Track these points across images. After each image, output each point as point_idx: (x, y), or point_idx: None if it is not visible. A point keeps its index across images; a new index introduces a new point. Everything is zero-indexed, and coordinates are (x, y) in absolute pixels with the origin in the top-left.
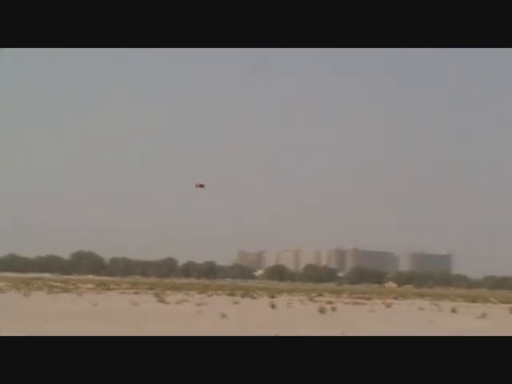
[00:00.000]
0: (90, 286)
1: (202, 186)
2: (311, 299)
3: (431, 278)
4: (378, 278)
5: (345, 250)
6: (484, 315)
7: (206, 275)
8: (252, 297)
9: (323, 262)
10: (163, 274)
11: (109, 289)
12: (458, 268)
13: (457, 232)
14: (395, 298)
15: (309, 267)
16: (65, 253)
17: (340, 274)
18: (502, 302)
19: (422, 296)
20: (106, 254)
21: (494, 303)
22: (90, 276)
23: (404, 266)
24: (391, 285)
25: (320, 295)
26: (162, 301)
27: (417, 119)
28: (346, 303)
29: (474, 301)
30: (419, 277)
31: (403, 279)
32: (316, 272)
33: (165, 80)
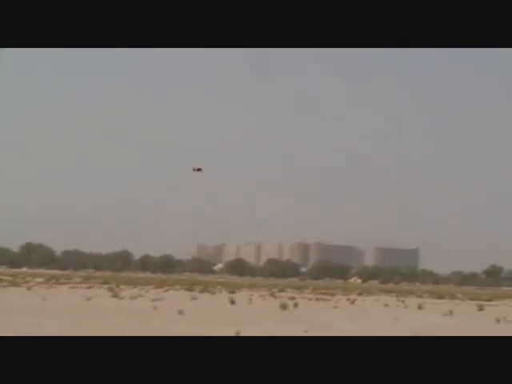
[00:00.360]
0: (39, 279)
1: (199, 169)
2: (273, 295)
3: (397, 273)
4: (342, 273)
5: (308, 244)
6: (451, 312)
7: (163, 269)
8: (211, 292)
9: (286, 256)
10: (118, 268)
11: (60, 283)
12: (425, 263)
13: (424, 226)
14: (360, 294)
15: (271, 261)
16: (13, 245)
17: (303, 269)
18: (470, 299)
19: (387, 292)
20: (58, 246)
21: (462, 300)
22: (41, 269)
23: (369, 260)
24: (356, 280)
25: (282, 291)
26: (116, 296)
27: (412, 119)
28: (309, 299)
29: (440, 297)
30: (385, 272)
31: (368, 274)
32: (278, 266)
33: (165, 80)
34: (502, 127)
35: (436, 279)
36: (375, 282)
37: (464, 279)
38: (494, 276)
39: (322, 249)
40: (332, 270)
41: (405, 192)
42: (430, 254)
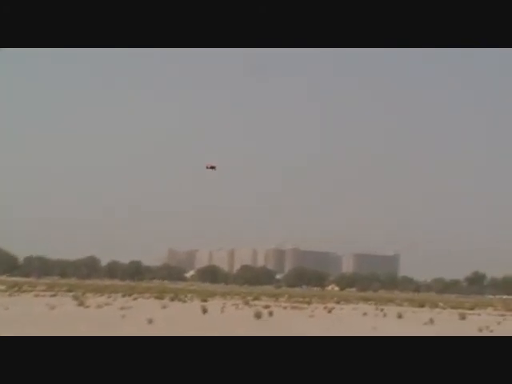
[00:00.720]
0: (1, 287)
1: (212, 167)
2: (247, 303)
3: (376, 280)
4: (319, 280)
5: (284, 250)
6: (431, 321)
7: (132, 276)
8: (182, 300)
9: (260, 263)
10: (84, 275)
11: (23, 291)
12: (405, 270)
13: (404, 232)
14: (337, 303)
15: (244, 268)
16: None
17: (278, 276)
18: (452, 307)
19: (366, 300)
20: (20, 252)
21: (443, 308)
22: (3, 277)
23: (347, 267)
24: (333, 288)
25: (256, 299)
26: (81, 304)
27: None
28: (285, 308)
29: (421, 305)
30: (363, 279)
31: (346, 282)
32: (252, 273)
33: (165, 80)
34: (502, 128)
35: (416, 287)
36: (353, 289)
37: (445, 287)
38: (476, 283)
39: (298, 255)
40: (308, 277)
41: (385, 198)
42: (410, 260)
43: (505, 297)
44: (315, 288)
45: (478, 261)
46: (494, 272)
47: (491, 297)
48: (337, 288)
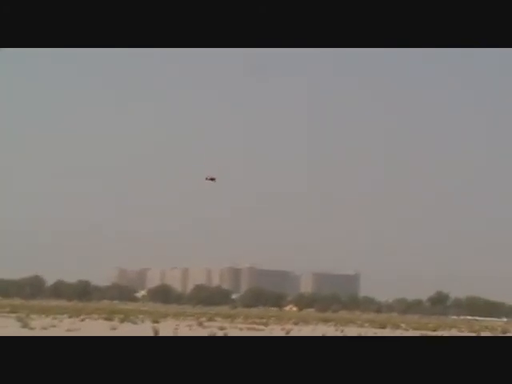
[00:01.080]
0: None
1: (212, 179)
2: (201, 324)
3: (336, 300)
4: (276, 300)
5: (240, 269)
6: None
7: (79, 296)
8: (132, 322)
9: (215, 282)
10: (28, 295)
11: None
12: (367, 290)
13: (365, 251)
14: (296, 324)
15: (198, 288)
16: None
17: (234, 296)
18: (414, 328)
19: (325, 321)
20: None
21: (405, 329)
22: None
23: (306, 287)
24: (292, 308)
25: (211, 320)
26: (25, 326)
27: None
28: (241, 329)
29: (382, 326)
30: (323, 299)
31: (305, 302)
32: (206, 293)
33: (165, 80)
34: (502, 129)
35: (378, 307)
36: (312, 310)
37: (408, 307)
38: (439, 304)
39: (255, 274)
40: (266, 297)
41: (344, 215)
42: (371, 280)
43: (469, 317)
44: (273, 308)
45: (441, 281)
46: (457, 292)
47: (455, 318)
48: (295, 308)
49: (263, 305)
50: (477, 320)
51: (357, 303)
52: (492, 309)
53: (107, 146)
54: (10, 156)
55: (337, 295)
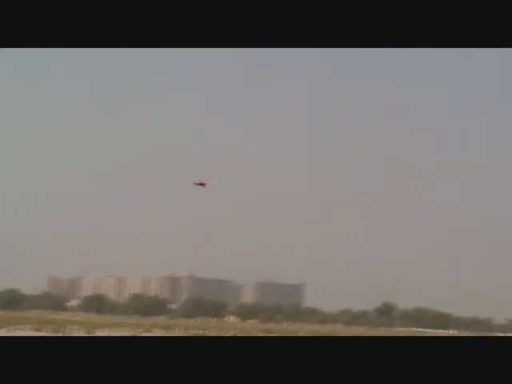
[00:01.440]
0: None
1: (202, 184)
2: (137, 335)
3: (279, 311)
4: (217, 310)
5: (178, 278)
6: None
7: (7, 306)
8: (64, 333)
9: (152, 292)
10: None
11: None
12: (311, 300)
13: (310, 260)
14: (236, 335)
15: (135, 297)
16: None
17: (173, 306)
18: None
19: (268, 332)
20: None
21: None
22: None
23: (248, 296)
24: (233, 319)
25: (148, 331)
26: None
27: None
28: None
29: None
30: (266, 310)
31: (247, 312)
32: (143, 303)
33: (165, 80)
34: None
35: (322, 318)
36: (255, 320)
37: (353, 318)
38: (386, 315)
39: (195, 283)
40: (206, 307)
41: (288, 222)
42: (315, 289)
43: (415, 329)
44: (213, 319)
45: (388, 291)
46: (404, 303)
47: (401, 329)
48: (237, 319)
49: (203, 315)
50: (424, 332)
51: (300, 314)
52: (440, 320)
53: (106, 146)
54: (9, 156)
55: (280, 306)
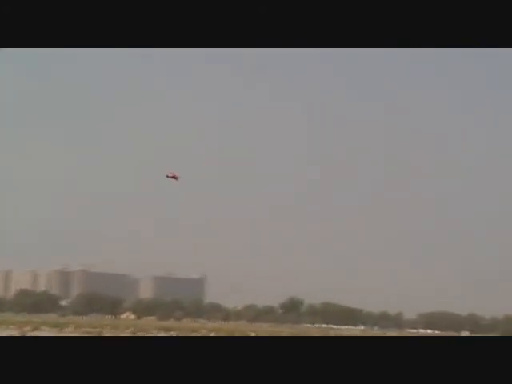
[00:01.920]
0: None
1: (174, 177)
2: (24, 334)
3: (179, 307)
4: (112, 306)
5: (70, 272)
6: None
7: None
8: None
9: (42, 287)
10: None
11: None
12: (213, 295)
13: (211, 253)
14: (133, 333)
15: (22, 293)
16: None
17: (64, 302)
18: None
19: (166, 330)
20: None
21: None
22: None
23: (146, 292)
24: (129, 316)
25: (36, 329)
26: None
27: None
28: None
29: (230, 335)
30: (164, 306)
31: (144, 309)
32: (32, 299)
33: (165, 80)
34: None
35: (225, 314)
36: (152, 318)
37: (258, 314)
38: (292, 311)
39: (88, 278)
40: (100, 304)
41: (188, 215)
42: (218, 284)
43: (324, 326)
44: (108, 316)
45: (294, 286)
46: (312, 298)
47: (309, 325)
48: (133, 316)
49: (97, 312)
50: (332, 328)
51: (201, 310)
52: (349, 316)
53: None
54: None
55: (179, 301)
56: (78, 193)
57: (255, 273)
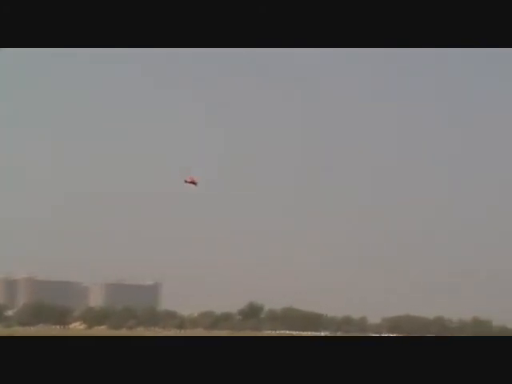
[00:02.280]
0: None
1: (193, 182)
2: None
3: (132, 315)
4: (60, 316)
5: (15, 280)
6: None
7: None
8: None
9: None
10: None
11: None
12: (168, 303)
13: (166, 259)
14: None
15: None
16: None
17: (9, 312)
18: None
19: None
20: None
21: None
22: None
23: (97, 300)
24: (79, 326)
25: None
26: None
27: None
28: None
29: None
30: (116, 315)
31: (95, 318)
32: None
33: (164, 80)
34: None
35: (181, 322)
36: (103, 327)
37: (215, 321)
38: (252, 317)
39: (35, 286)
40: (47, 313)
41: (140, 219)
42: (173, 291)
43: (287, 332)
44: (56, 326)
45: (254, 291)
46: (272, 304)
47: (270, 332)
48: (83, 326)
49: (44, 322)
50: (293, 335)
51: (156, 318)
52: (311, 321)
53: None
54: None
55: (133, 309)
56: (25, 195)
57: (212, 278)
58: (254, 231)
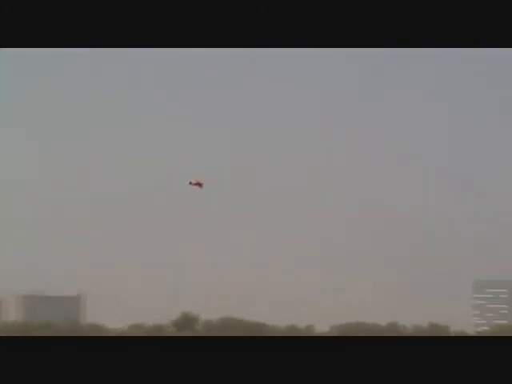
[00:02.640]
0: None
1: (198, 184)
2: None
3: (53, 329)
4: None
5: None
6: None
7: None
8: None
9: None
10: None
11: None
12: (93, 315)
13: (90, 268)
14: None
15: None
16: None
17: None
18: None
19: None
20: None
21: None
22: None
23: (12, 313)
24: None
25: None
26: None
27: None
28: None
29: None
30: (35, 329)
31: (12, 333)
32: None
33: (164, 80)
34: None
35: (106, 336)
36: None
37: (146, 334)
38: (186, 328)
39: None
40: None
41: (67, 224)
42: (99, 302)
43: None
44: None
45: (187, 301)
46: (208, 313)
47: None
48: None
49: None
50: None
51: (79, 332)
52: (252, 332)
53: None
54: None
55: (53, 323)
56: None
57: (142, 288)
58: (189, 239)
